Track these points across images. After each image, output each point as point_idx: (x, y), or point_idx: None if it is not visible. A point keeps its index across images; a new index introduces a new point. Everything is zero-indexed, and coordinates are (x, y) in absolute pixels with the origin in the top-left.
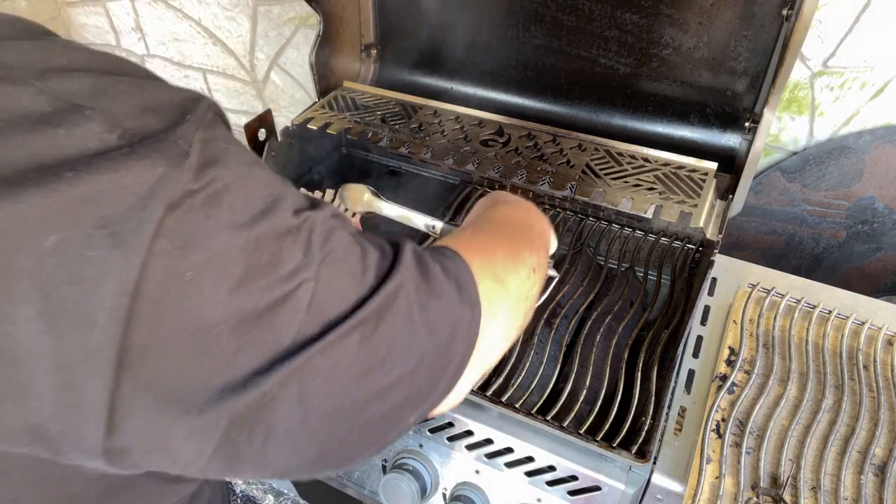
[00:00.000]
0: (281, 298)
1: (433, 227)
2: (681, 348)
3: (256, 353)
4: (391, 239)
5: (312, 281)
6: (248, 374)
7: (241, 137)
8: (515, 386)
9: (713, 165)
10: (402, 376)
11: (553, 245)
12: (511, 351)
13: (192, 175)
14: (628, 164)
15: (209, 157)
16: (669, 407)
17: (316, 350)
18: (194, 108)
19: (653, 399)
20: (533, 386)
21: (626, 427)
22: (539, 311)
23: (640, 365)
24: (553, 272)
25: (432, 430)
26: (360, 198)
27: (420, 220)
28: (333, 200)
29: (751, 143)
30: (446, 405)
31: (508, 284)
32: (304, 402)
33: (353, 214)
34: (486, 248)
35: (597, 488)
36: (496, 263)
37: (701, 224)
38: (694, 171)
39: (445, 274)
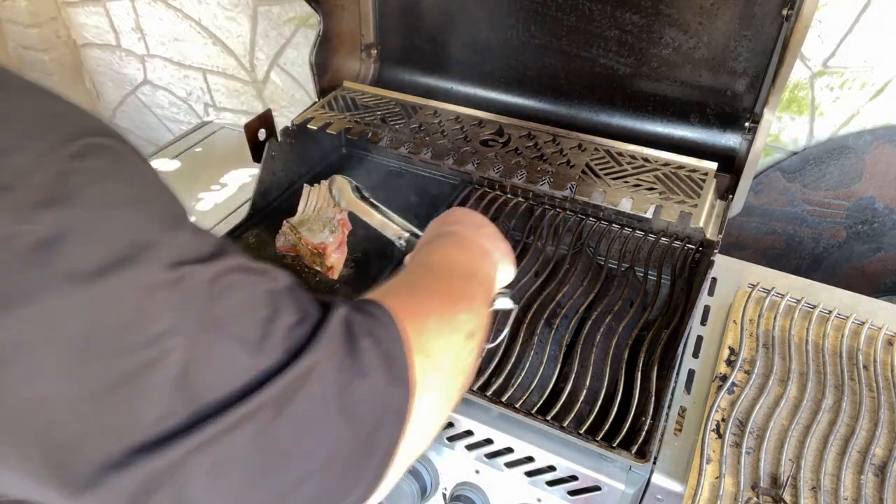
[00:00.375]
0: (139, 368)
1: (401, 239)
2: (681, 348)
3: (107, 441)
4: (325, 298)
5: (184, 348)
6: (97, 468)
7: (241, 138)
8: (515, 386)
9: (713, 165)
10: (313, 472)
11: (510, 273)
12: (511, 351)
13: (15, 215)
14: (628, 164)
15: (55, 195)
16: (669, 407)
17: (194, 443)
18: (57, 133)
19: (653, 399)
20: (533, 386)
21: (626, 427)
22: (539, 311)
23: (640, 365)
24: (510, 303)
25: None
26: (346, 193)
27: (392, 230)
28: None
29: (751, 143)
30: (374, 501)
31: (440, 357)
32: None
33: (342, 210)
34: (419, 311)
35: (597, 488)
36: (427, 332)
37: (701, 224)
38: (694, 171)
39: (376, 346)
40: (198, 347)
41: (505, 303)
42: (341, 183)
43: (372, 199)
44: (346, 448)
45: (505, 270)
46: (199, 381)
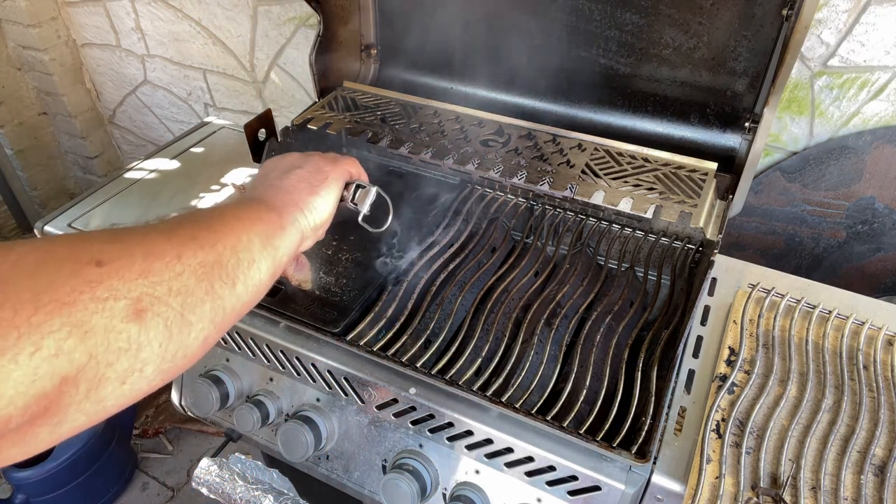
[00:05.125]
0: None
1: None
2: (681, 348)
3: None
4: None
5: None
6: None
7: (241, 138)
8: (515, 386)
9: (713, 165)
10: None
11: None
12: (511, 351)
13: None
14: (628, 164)
15: None
16: (669, 407)
17: None
18: None
19: (653, 399)
20: (533, 386)
21: (626, 427)
22: (539, 311)
23: (640, 365)
24: (371, 188)
25: (432, 430)
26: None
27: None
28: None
29: (751, 143)
30: None
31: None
32: None
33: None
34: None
35: (597, 488)
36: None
37: (701, 224)
38: (694, 171)
39: None
40: None
41: (367, 193)
42: None
43: None
44: None
45: (315, 198)
46: None
